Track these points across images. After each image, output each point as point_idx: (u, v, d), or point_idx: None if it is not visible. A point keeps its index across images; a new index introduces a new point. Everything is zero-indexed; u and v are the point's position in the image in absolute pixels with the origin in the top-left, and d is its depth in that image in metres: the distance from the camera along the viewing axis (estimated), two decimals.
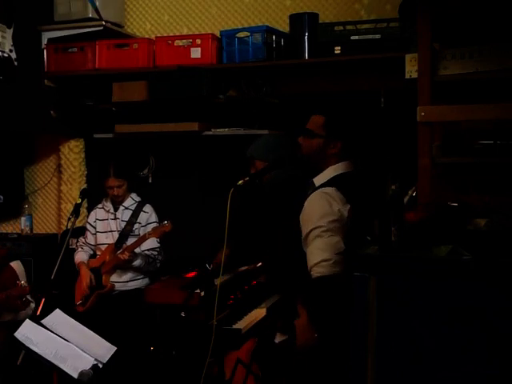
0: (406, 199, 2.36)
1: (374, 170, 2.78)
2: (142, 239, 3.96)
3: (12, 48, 3.97)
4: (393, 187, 2.17)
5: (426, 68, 2.78)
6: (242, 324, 3.14)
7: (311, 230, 2.56)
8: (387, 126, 3.71)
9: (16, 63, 4.01)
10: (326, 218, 2.54)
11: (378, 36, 3.80)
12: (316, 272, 2.52)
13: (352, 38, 3.83)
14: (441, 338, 1.99)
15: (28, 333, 2.71)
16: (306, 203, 2.64)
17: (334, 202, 2.58)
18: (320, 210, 2.57)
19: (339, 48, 3.85)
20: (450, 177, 2.85)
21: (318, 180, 2.73)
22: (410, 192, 2.50)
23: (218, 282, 2.78)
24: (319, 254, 2.52)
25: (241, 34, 4.09)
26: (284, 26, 4.21)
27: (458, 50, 2.86)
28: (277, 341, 2.76)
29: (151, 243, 4.05)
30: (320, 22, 4.03)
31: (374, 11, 4.09)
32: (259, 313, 3.31)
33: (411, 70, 3.16)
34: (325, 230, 2.53)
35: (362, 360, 2.05)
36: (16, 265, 4.09)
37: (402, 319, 2.03)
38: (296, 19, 4.02)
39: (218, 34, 4.22)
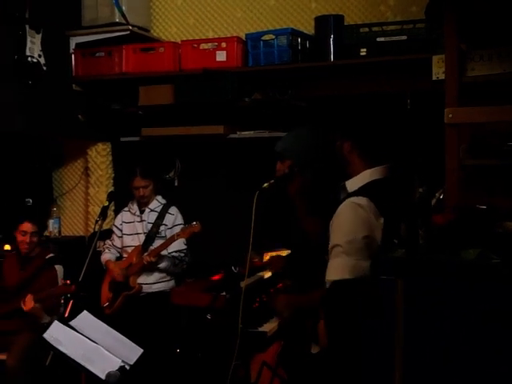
0: (433, 202, 2.34)
1: (405, 174, 2.67)
2: (171, 240, 3.99)
3: (41, 53, 4.03)
4: (420, 190, 2.15)
5: (454, 69, 2.76)
6: (267, 327, 3.14)
7: (338, 245, 2.41)
8: (414, 128, 3.67)
9: (45, 68, 4.07)
10: (356, 235, 2.38)
11: (404, 37, 3.76)
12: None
13: (378, 39, 3.81)
14: (468, 341, 1.97)
15: (56, 334, 2.74)
16: (337, 211, 2.47)
17: (366, 215, 2.40)
18: (351, 224, 2.40)
19: (365, 50, 3.83)
20: (478, 179, 2.82)
21: (352, 185, 2.56)
22: (437, 194, 2.47)
23: (243, 284, 2.78)
24: (340, 272, 2.39)
25: (266, 37, 4.09)
26: (309, 29, 4.20)
27: (485, 51, 2.83)
28: (313, 351, 2.71)
29: (178, 245, 4.07)
30: (345, 23, 4.02)
31: (399, 13, 4.06)
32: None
33: (438, 71, 3.13)
34: (353, 250, 2.37)
35: (389, 364, 2.03)
36: (58, 268, 4.19)
37: (430, 322, 2.02)
38: (321, 21, 4.00)
39: (244, 37, 4.23)
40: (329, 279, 2.42)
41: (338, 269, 2.40)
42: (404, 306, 2.02)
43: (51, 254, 4.27)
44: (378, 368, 2.07)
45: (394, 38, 3.78)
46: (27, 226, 4.14)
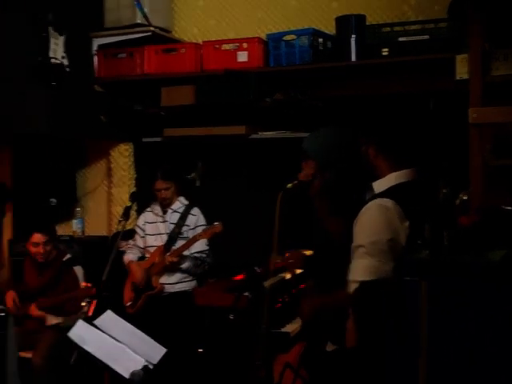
0: (457, 203, 2.32)
1: (431, 178, 2.63)
2: (193, 241, 4.02)
3: (64, 55, 4.08)
4: (444, 191, 2.14)
5: (478, 69, 2.74)
6: (290, 327, 3.14)
7: (362, 246, 2.40)
8: (437, 128, 3.64)
9: (68, 69, 4.11)
10: (380, 237, 2.37)
11: (426, 37, 3.75)
12: (352, 289, 2.45)
13: (400, 39, 3.80)
14: (493, 343, 1.96)
15: (81, 333, 2.77)
16: (362, 211, 2.47)
17: (392, 218, 2.38)
18: (376, 225, 2.39)
19: (387, 50, 3.82)
20: (503, 179, 2.79)
21: (378, 186, 2.54)
22: (461, 195, 2.45)
23: (267, 284, 2.78)
24: (362, 273, 2.37)
25: (287, 37, 4.09)
26: (330, 29, 4.19)
27: (510, 50, 2.80)
28: (328, 349, 2.71)
29: (200, 246, 4.09)
30: (367, 23, 4.00)
31: (421, 12, 4.03)
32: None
33: (462, 71, 3.10)
34: (377, 251, 2.36)
35: (414, 364, 2.03)
36: (78, 270, 4.22)
37: (454, 323, 2.01)
38: (343, 21, 4.00)
39: (265, 38, 4.24)
40: (351, 279, 2.42)
41: (360, 270, 2.39)
42: (428, 306, 2.01)
43: (68, 256, 4.29)
44: (402, 369, 2.06)
45: (416, 38, 3.77)
46: (38, 237, 4.11)
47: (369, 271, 2.36)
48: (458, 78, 3.16)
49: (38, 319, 4.05)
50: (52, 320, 4.04)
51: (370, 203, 2.46)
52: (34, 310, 4.01)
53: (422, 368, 2.01)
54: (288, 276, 3.63)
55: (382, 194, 2.48)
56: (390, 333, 2.11)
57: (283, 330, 3.11)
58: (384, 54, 3.83)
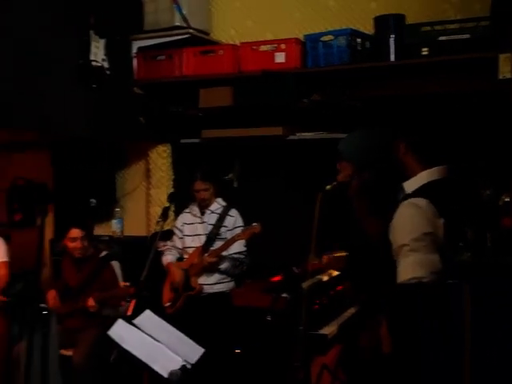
0: (500, 204, 2.28)
1: (466, 176, 2.60)
2: (231, 241, 4.03)
3: (104, 57, 4.13)
4: (487, 192, 2.11)
5: None
6: (328, 329, 3.12)
7: (405, 245, 2.39)
8: (477, 128, 3.58)
9: (108, 72, 4.17)
10: (420, 232, 2.37)
11: (467, 36, 3.69)
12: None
13: (440, 38, 3.74)
14: None
15: (121, 332, 2.81)
16: (397, 212, 2.48)
17: (426, 214, 2.39)
18: (413, 222, 2.40)
19: (427, 49, 3.77)
20: None
21: (409, 186, 2.55)
22: (503, 197, 2.41)
23: (304, 286, 2.77)
24: (411, 270, 2.36)
25: (325, 38, 4.07)
26: (369, 29, 4.16)
27: None
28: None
29: (239, 247, 4.10)
30: (406, 23, 3.96)
31: (462, 10, 3.97)
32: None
33: (505, 69, 3.05)
34: (420, 246, 2.36)
35: (458, 365, 2.00)
36: (115, 264, 4.27)
37: (497, 324, 1.98)
38: (381, 21, 3.97)
39: (303, 38, 4.22)
40: (404, 279, 2.39)
41: (409, 267, 2.38)
42: (471, 307, 1.98)
43: (104, 252, 4.35)
44: (446, 370, 2.04)
45: (457, 37, 3.71)
46: (75, 232, 4.16)
47: (419, 266, 2.35)
48: (500, 76, 3.10)
49: (82, 316, 4.11)
50: (107, 312, 4.10)
51: (404, 203, 2.46)
52: (92, 302, 4.06)
53: (467, 369, 1.99)
54: (325, 278, 3.62)
55: (414, 194, 2.48)
56: (433, 335, 2.09)
57: (320, 331, 3.09)
58: (424, 53, 3.78)
